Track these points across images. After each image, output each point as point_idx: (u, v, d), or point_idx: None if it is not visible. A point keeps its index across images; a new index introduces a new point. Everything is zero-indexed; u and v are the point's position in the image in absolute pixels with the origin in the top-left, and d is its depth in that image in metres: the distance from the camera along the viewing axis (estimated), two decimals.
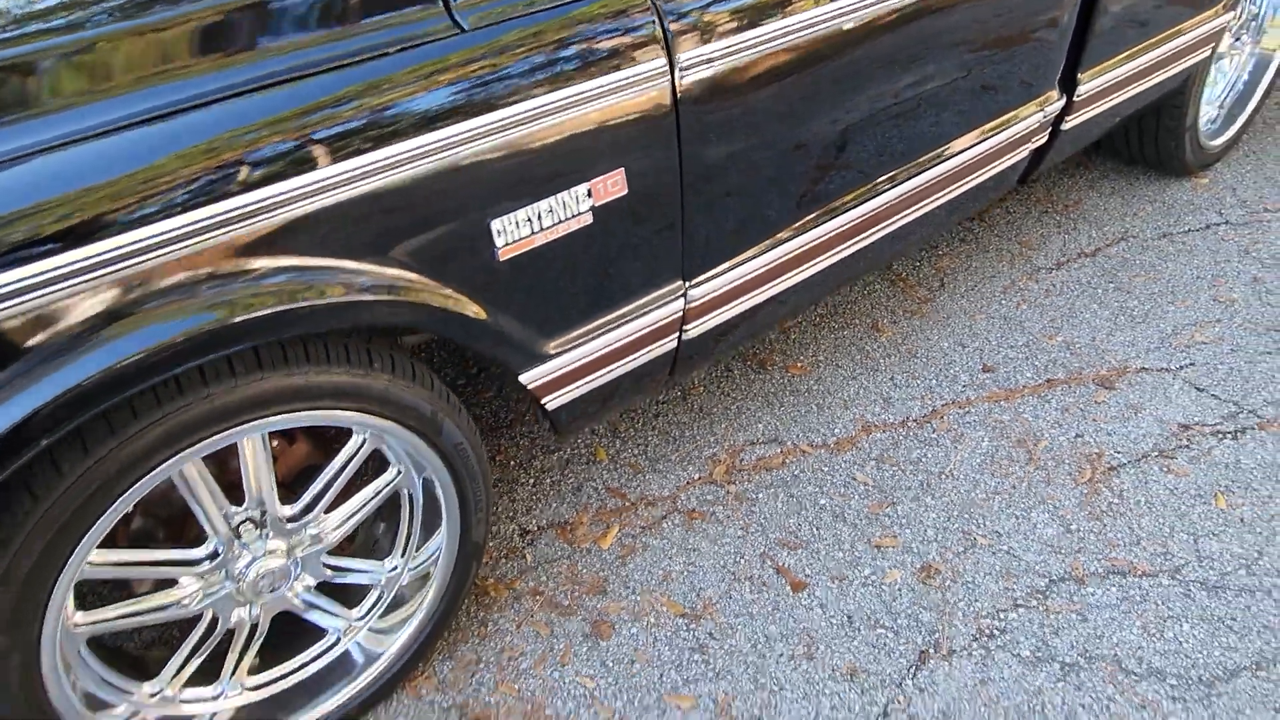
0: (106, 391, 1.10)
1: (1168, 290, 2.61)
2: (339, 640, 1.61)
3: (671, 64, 1.44)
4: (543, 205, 1.37)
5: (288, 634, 1.58)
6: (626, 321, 1.60)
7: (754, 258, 1.75)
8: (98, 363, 1.07)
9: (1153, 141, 2.94)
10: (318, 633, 1.60)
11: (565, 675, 1.71)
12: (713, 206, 1.62)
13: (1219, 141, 3.07)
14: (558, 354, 1.54)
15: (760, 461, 2.13)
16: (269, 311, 1.17)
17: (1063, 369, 2.35)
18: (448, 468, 1.51)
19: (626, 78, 1.40)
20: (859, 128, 1.80)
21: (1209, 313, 2.52)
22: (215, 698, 1.51)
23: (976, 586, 1.84)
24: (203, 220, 1.11)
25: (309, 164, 1.16)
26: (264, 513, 1.40)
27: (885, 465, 2.11)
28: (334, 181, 1.18)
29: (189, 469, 1.28)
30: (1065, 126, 2.34)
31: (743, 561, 1.90)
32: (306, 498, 1.44)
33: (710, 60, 1.48)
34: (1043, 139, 2.31)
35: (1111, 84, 2.37)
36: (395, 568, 1.61)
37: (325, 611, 1.58)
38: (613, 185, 1.44)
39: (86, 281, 1.06)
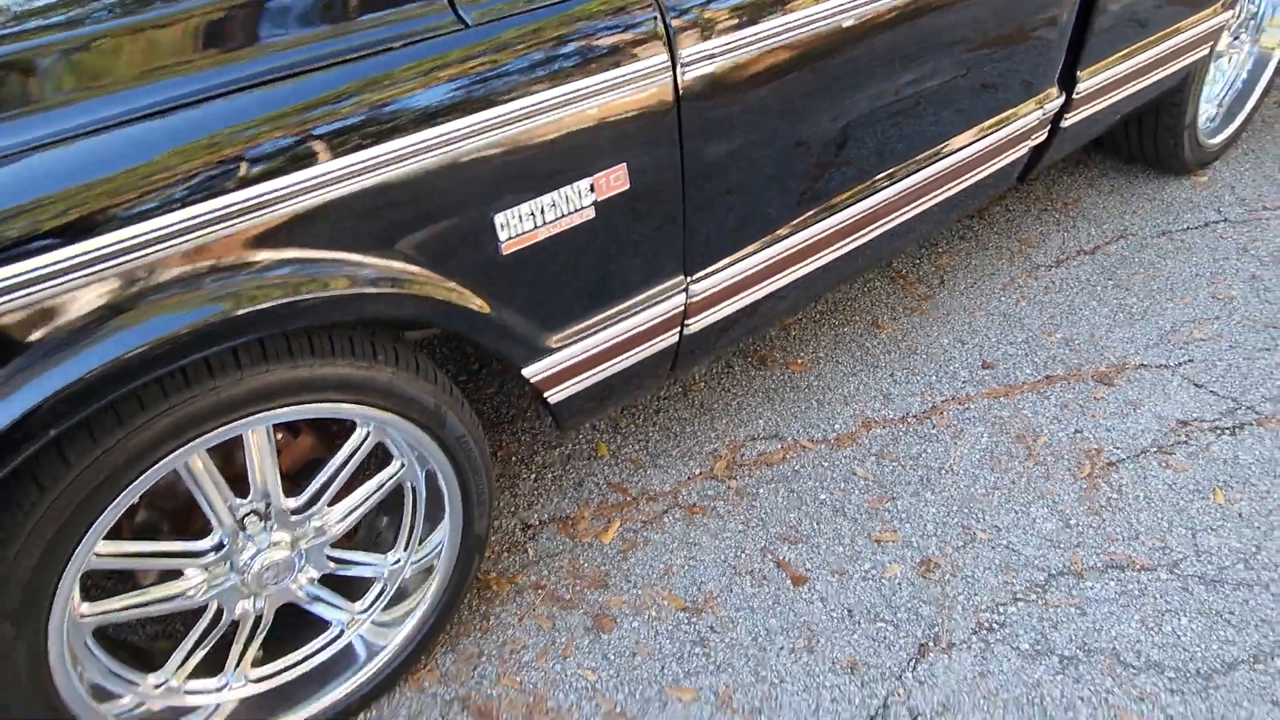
0: (114, 382, 1.11)
1: (1166, 287, 2.62)
2: (342, 633, 1.62)
3: (673, 60, 1.45)
4: (545, 200, 1.38)
5: (291, 626, 1.59)
6: (628, 316, 1.61)
7: (755, 253, 1.76)
8: (105, 354, 1.08)
9: (1152, 140, 2.95)
10: (321, 625, 1.61)
11: (567, 668, 1.72)
12: (714, 202, 1.63)
13: (1218, 140, 3.08)
14: (560, 348, 1.55)
15: (761, 457, 2.14)
16: (274, 304, 1.18)
17: (1062, 365, 2.36)
18: (450, 461, 1.52)
19: (628, 73, 1.41)
20: (859, 124, 1.81)
21: (1208, 310, 2.53)
22: (219, 689, 1.52)
23: (976, 581, 1.85)
24: (209, 214, 1.12)
25: (314, 158, 1.17)
26: (269, 505, 1.41)
27: (885, 461, 2.12)
28: (339, 175, 1.19)
29: (195, 461, 1.29)
30: (1064, 124, 2.35)
31: (743, 556, 1.91)
32: (311, 490, 1.45)
33: (712, 56, 1.49)
34: (1042, 136, 2.32)
35: (1110, 82, 2.38)
36: (398, 561, 1.62)
37: (329, 604, 1.59)
38: (615, 180, 1.45)
39: (94, 274, 1.07)
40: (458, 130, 1.26)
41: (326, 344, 1.31)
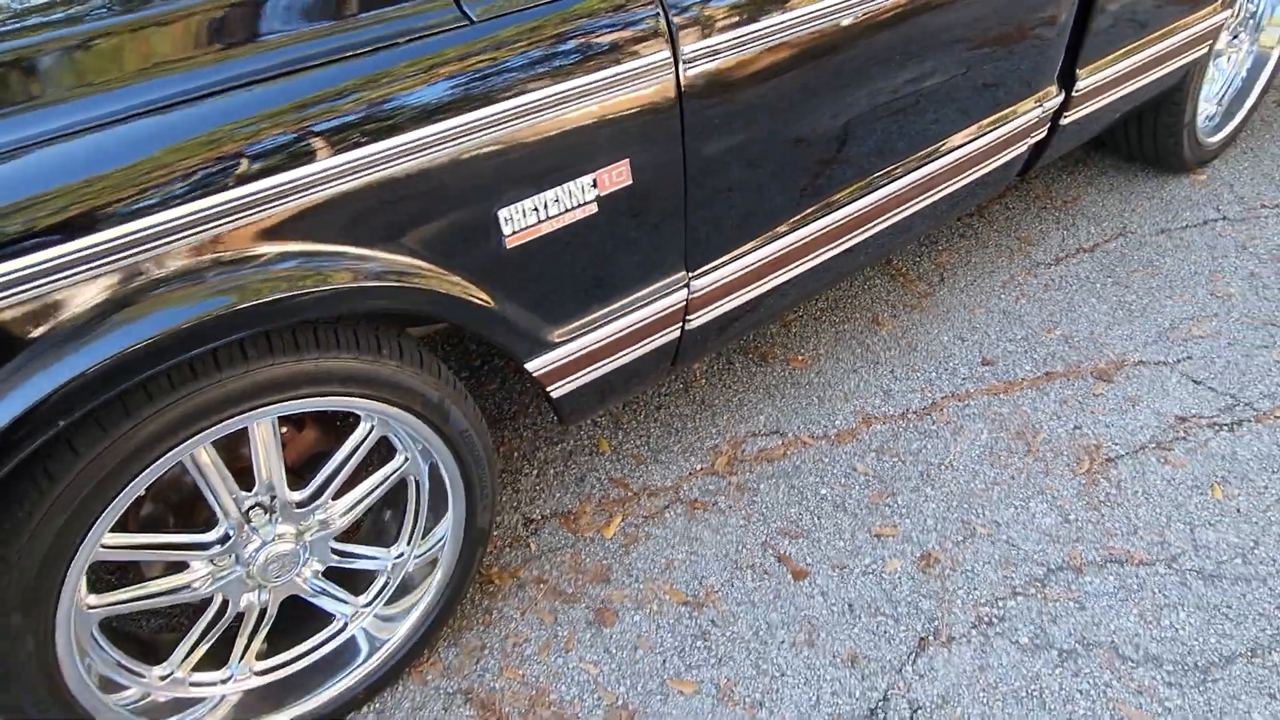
0: (122, 375, 1.12)
1: (1165, 285, 2.63)
2: (346, 626, 1.63)
3: (675, 57, 1.46)
4: (549, 195, 1.40)
5: (296, 619, 1.60)
6: (631, 311, 1.62)
7: (756, 249, 1.77)
8: (113, 346, 1.10)
9: (1151, 138, 2.96)
10: (325, 618, 1.63)
11: (569, 661, 1.73)
12: (715, 198, 1.64)
13: (1217, 138, 3.09)
14: (563, 342, 1.56)
15: (762, 452, 2.15)
16: (279, 297, 1.19)
17: (1061, 362, 2.38)
18: (454, 454, 1.53)
19: (630, 70, 1.42)
20: (860, 122, 1.82)
21: (1206, 307, 2.54)
22: (224, 681, 1.53)
23: (975, 575, 1.86)
24: (216, 208, 1.13)
25: (320, 153, 1.18)
26: (273, 498, 1.42)
27: (885, 456, 2.13)
28: (344, 170, 1.20)
29: (201, 454, 1.30)
30: (1064, 122, 2.36)
31: (744, 550, 1.93)
32: (315, 483, 1.46)
33: (713, 53, 1.50)
34: (1041, 134, 2.33)
35: (1109, 80, 2.39)
36: (401, 554, 1.63)
37: (333, 597, 1.60)
38: (617, 176, 1.46)
39: (102, 268, 1.08)
40: (462, 125, 1.27)
41: (331, 338, 1.32)
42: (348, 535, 1.59)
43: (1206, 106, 3.01)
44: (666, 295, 1.66)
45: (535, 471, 2.13)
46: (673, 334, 1.74)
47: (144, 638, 1.61)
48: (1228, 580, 1.83)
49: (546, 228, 1.41)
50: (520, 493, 2.07)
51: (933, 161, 2.04)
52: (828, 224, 1.88)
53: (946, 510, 2.00)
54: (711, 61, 1.50)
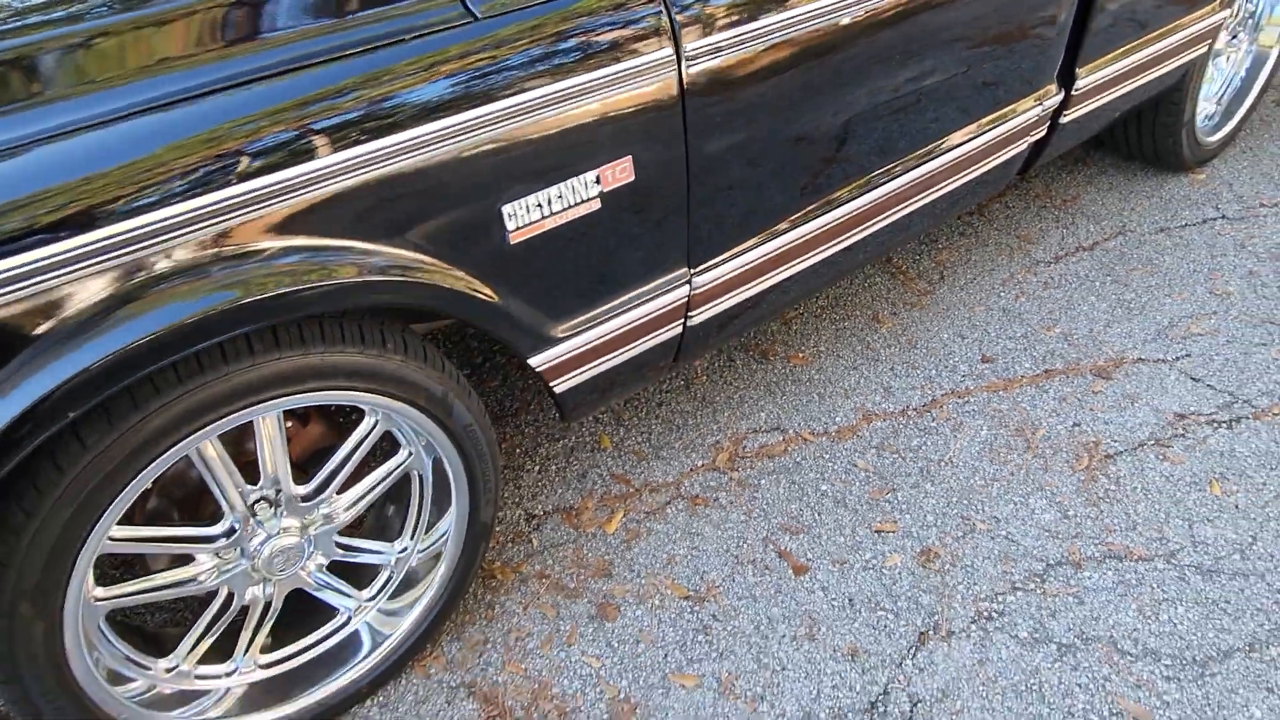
0: (130, 367, 1.13)
1: (1164, 283, 2.64)
2: (350, 620, 1.65)
3: (678, 54, 1.47)
4: (553, 191, 1.41)
5: (300, 613, 1.61)
6: (633, 307, 1.63)
7: (757, 246, 1.78)
8: (120, 340, 1.10)
9: (1150, 137, 2.97)
10: (329, 612, 1.64)
11: (571, 655, 1.74)
12: (717, 195, 1.65)
13: (1216, 137, 3.10)
14: (566, 337, 1.57)
15: (762, 449, 2.16)
16: (284, 291, 1.20)
17: (1060, 360, 2.39)
18: (457, 449, 1.54)
19: (633, 67, 1.43)
20: (862, 120, 1.83)
21: (1205, 305, 2.55)
22: (229, 674, 1.54)
23: (975, 570, 1.87)
24: (222, 202, 1.14)
25: (326, 149, 1.19)
26: (279, 491, 1.43)
27: (885, 453, 2.14)
28: (350, 165, 1.21)
29: (208, 447, 1.32)
30: (1064, 120, 2.37)
31: (745, 546, 1.94)
32: (320, 477, 1.47)
33: (715, 51, 1.51)
34: (1041, 133, 2.34)
35: (1109, 79, 2.40)
36: (405, 549, 1.64)
37: (337, 591, 1.61)
38: (620, 172, 1.47)
39: (109, 262, 1.09)
40: (466, 122, 1.29)
41: (337, 332, 1.33)
42: (351, 530, 1.60)
43: (1206, 106, 3.03)
44: (669, 291, 1.67)
45: (537, 468, 2.14)
46: (675, 330, 1.75)
47: (149, 631, 1.62)
48: (1226, 575, 1.84)
49: (550, 224, 1.42)
50: (522, 489, 2.09)
51: (933, 160, 2.05)
52: (829, 221, 1.89)
53: (946, 506, 2.01)
54: (714, 59, 1.51)
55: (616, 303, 1.61)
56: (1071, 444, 2.14)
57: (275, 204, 1.18)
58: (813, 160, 1.79)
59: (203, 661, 1.51)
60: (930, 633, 1.76)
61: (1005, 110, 2.17)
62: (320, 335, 1.32)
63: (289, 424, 1.52)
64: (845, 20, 1.67)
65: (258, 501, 1.42)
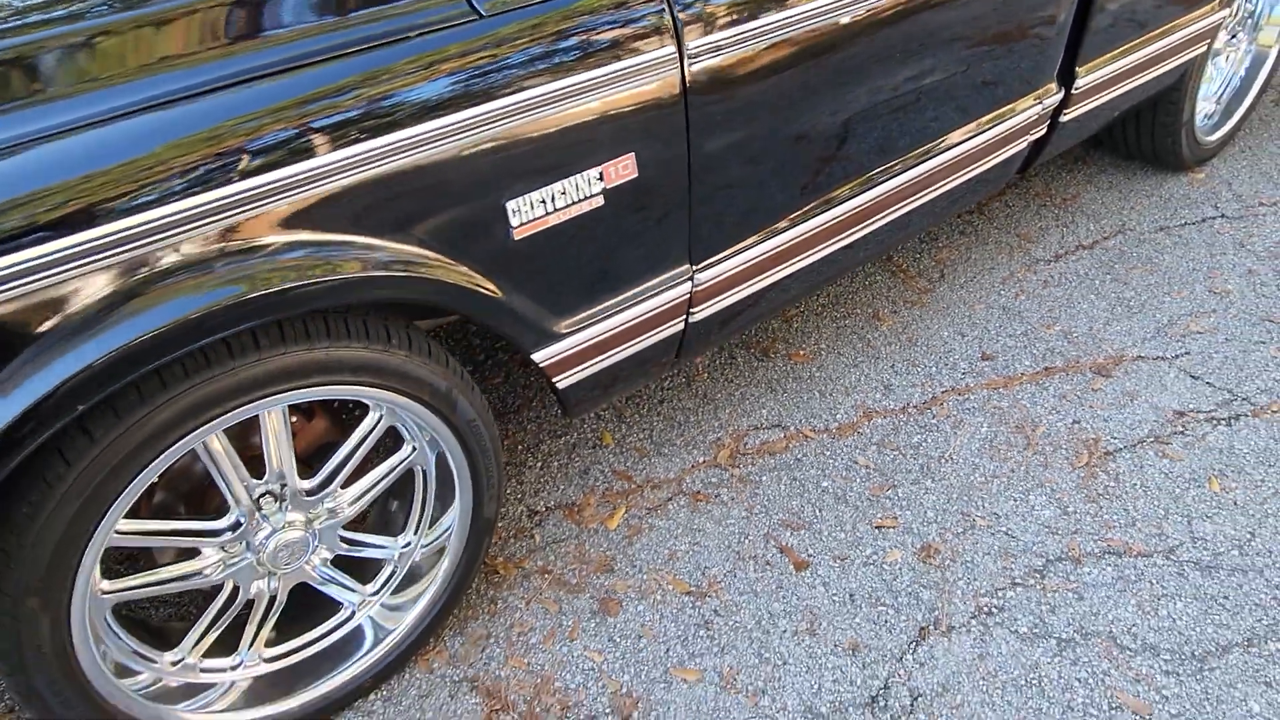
0: (135, 362, 1.14)
1: (1164, 282, 2.65)
2: (354, 614, 1.65)
3: (681, 52, 1.48)
4: (556, 187, 1.42)
5: (304, 607, 1.62)
6: (636, 303, 1.64)
7: (759, 243, 1.79)
8: (126, 334, 1.11)
9: (1150, 137, 2.98)
10: (333, 607, 1.65)
11: (574, 650, 1.75)
12: (719, 192, 1.66)
13: (1215, 137, 3.11)
14: (569, 333, 1.58)
15: (764, 446, 2.17)
16: (289, 286, 1.20)
17: (1060, 357, 2.40)
18: (461, 444, 1.55)
19: (635, 65, 1.44)
20: (862, 118, 1.84)
21: (1204, 303, 2.56)
22: (234, 667, 1.55)
23: (975, 566, 1.88)
24: (229, 198, 1.15)
25: (331, 145, 1.20)
26: (284, 486, 1.44)
27: (886, 450, 2.15)
28: (355, 161, 1.22)
29: (213, 442, 1.32)
30: (1064, 119, 2.38)
31: (747, 541, 1.95)
32: (325, 471, 1.48)
33: (717, 49, 1.52)
34: (1041, 131, 2.35)
35: (1108, 78, 2.41)
36: (408, 544, 1.65)
37: (341, 585, 1.62)
38: (623, 169, 1.48)
39: (115, 257, 1.10)
40: (471, 118, 1.30)
41: (342, 327, 1.34)
42: (355, 524, 1.61)
43: (1205, 105, 3.04)
44: (671, 288, 1.68)
45: (539, 464, 2.15)
46: (677, 326, 1.76)
47: (155, 625, 1.63)
48: (1224, 571, 1.85)
49: (553, 220, 1.43)
50: (525, 485, 2.10)
51: (934, 158, 2.06)
52: (830, 219, 1.90)
53: (946, 502, 2.02)
54: (715, 57, 1.52)
55: (619, 299, 1.62)
56: (1071, 441, 2.15)
57: (281, 200, 1.19)
58: (814, 158, 1.80)
59: (208, 655, 1.52)
60: (931, 628, 1.77)
61: (1005, 109, 2.18)
62: (325, 330, 1.33)
63: (293, 419, 1.53)
64: (846, 19, 1.68)
65: (263, 496, 1.43)
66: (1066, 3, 2.14)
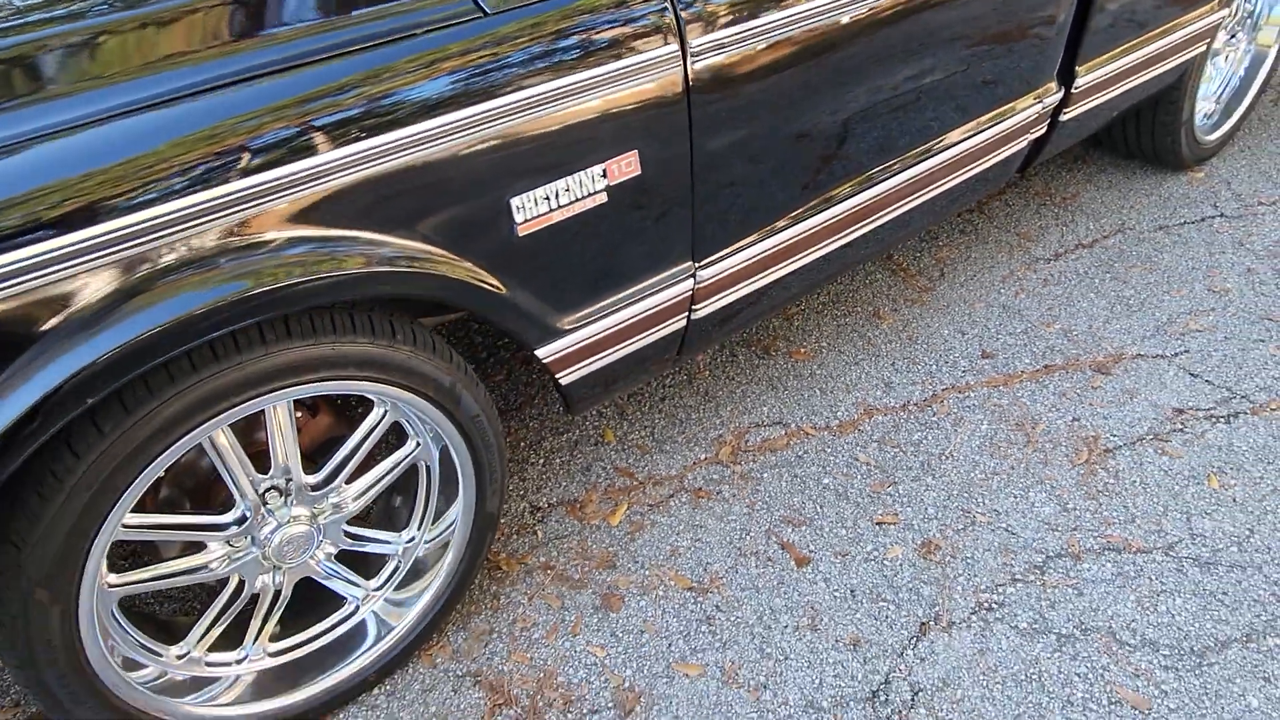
0: (143, 357, 1.14)
1: (1163, 280, 2.66)
2: (358, 609, 1.66)
3: (683, 50, 1.49)
4: (560, 184, 1.43)
5: (309, 601, 1.63)
6: (638, 300, 1.65)
7: (761, 240, 1.80)
8: (133, 329, 1.12)
9: (1149, 136, 2.99)
10: (336, 602, 1.65)
11: (576, 645, 1.76)
12: (721, 190, 1.67)
13: (1215, 136, 3.13)
14: (573, 329, 1.59)
15: (765, 443, 2.18)
16: (294, 281, 1.21)
17: (1060, 355, 2.41)
18: (465, 439, 1.56)
19: (638, 62, 1.45)
20: (863, 117, 1.85)
21: (1203, 302, 2.57)
22: (239, 661, 1.56)
23: (975, 562, 1.89)
24: (236, 194, 1.16)
25: (336, 141, 1.21)
26: (289, 480, 1.45)
27: (887, 447, 2.16)
28: (361, 157, 1.23)
29: (219, 436, 1.33)
30: (1064, 118, 2.39)
31: (748, 538, 1.96)
32: (330, 466, 1.49)
33: (719, 47, 1.53)
34: (1041, 130, 2.36)
35: (1108, 77, 2.42)
36: (412, 539, 1.66)
37: (345, 580, 1.63)
38: (626, 166, 1.49)
39: (123, 253, 1.11)
40: (475, 115, 1.31)
41: (348, 322, 1.35)
42: (359, 520, 1.62)
43: (1204, 105, 3.05)
44: (673, 285, 1.69)
45: (541, 461, 2.16)
46: (679, 323, 1.77)
47: (160, 619, 1.64)
48: (1223, 567, 1.86)
49: (558, 216, 1.44)
50: (527, 481, 2.11)
51: (934, 156, 2.07)
52: (831, 216, 1.91)
53: (947, 499, 2.03)
54: (717, 56, 1.53)
55: (622, 295, 1.63)
56: (1071, 438, 2.16)
57: (287, 196, 1.20)
58: (815, 156, 1.81)
59: (213, 649, 1.53)
60: (931, 623, 1.78)
61: (1005, 108, 2.19)
62: (331, 325, 1.34)
63: (298, 414, 1.54)
64: (847, 19, 1.69)
65: (268, 490, 1.44)
66: (1066, 2, 2.15)
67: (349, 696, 1.65)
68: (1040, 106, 2.27)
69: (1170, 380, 2.31)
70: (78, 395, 1.14)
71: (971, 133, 2.13)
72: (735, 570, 1.89)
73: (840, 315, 2.57)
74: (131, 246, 1.11)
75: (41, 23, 1.29)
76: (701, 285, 1.74)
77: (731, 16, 1.53)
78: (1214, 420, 2.20)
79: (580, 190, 1.45)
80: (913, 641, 1.75)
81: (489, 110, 1.32)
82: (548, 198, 1.42)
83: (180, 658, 1.49)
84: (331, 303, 1.31)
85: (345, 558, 1.62)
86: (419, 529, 1.66)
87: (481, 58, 1.31)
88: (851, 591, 1.84)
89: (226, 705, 1.53)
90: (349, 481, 1.53)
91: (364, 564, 1.66)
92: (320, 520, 1.52)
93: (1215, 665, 1.69)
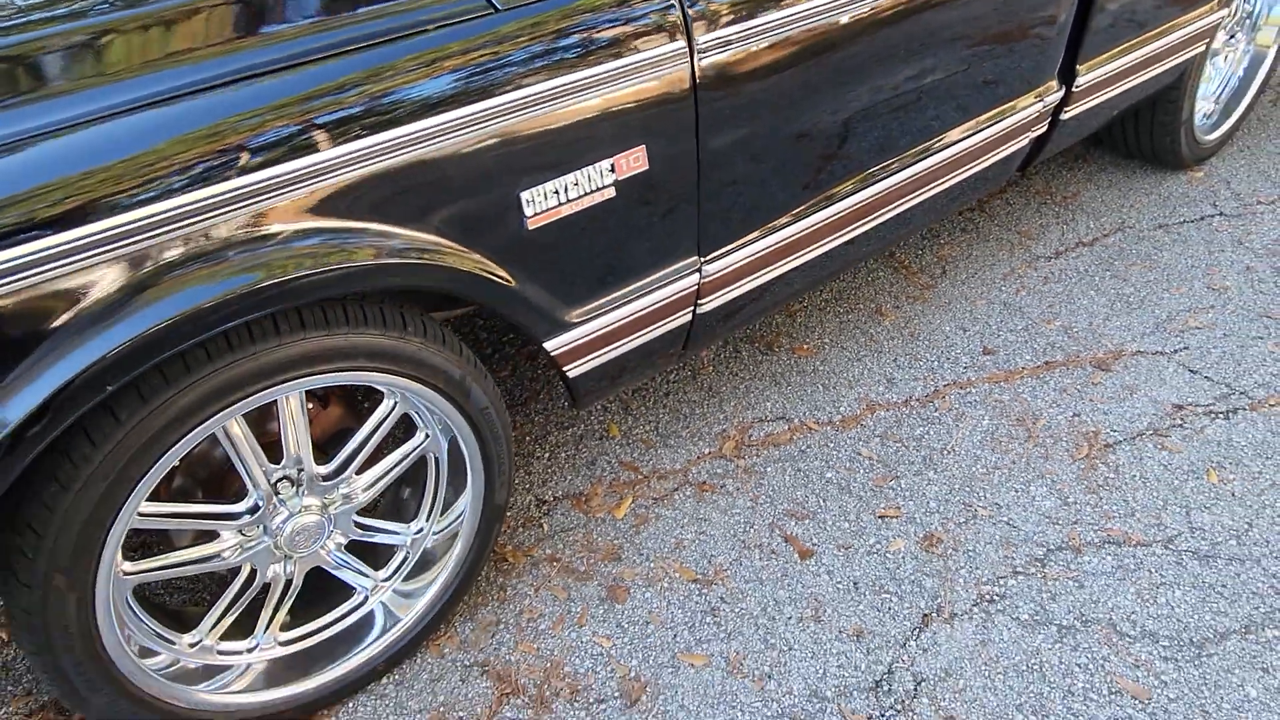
0: (154, 349, 1.16)
1: (1163, 278, 2.68)
2: (367, 599, 1.68)
3: (691, 46, 1.51)
4: (569, 179, 1.45)
5: (319, 591, 1.65)
6: (645, 294, 1.67)
7: (766, 236, 1.82)
8: (143, 322, 1.14)
9: (1149, 136, 3.01)
10: (347, 592, 1.67)
11: (582, 636, 1.78)
12: (727, 185, 1.69)
13: (1214, 136, 3.15)
14: (580, 322, 1.61)
15: (768, 438, 2.20)
16: (304, 273, 1.23)
17: (1061, 352, 2.43)
18: (474, 431, 1.58)
19: (646, 59, 1.47)
20: (867, 115, 1.87)
21: (1203, 300, 2.59)
22: (250, 650, 1.58)
23: (977, 555, 1.91)
24: (247, 186, 1.18)
25: (349, 134, 1.23)
26: (300, 470, 1.47)
27: (889, 442, 2.18)
28: (373, 151, 1.25)
29: (233, 426, 1.35)
30: (1064, 117, 2.41)
31: (752, 531, 1.98)
32: (341, 457, 1.51)
33: (726, 44, 1.55)
34: (1042, 129, 2.38)
35: (1109, 76, 2.44)
36: (421, 530, 1.68)
37: (355, 570, 1.65)
38: (634, 161, 1.52)
39: (131, 247, 1.13)
40: (486, 110, 1.33)
41: (359, 314, 1.37)
42: (369, 512, 1.63)
43: (1204, 105, 3.07)
44: (679, 279, 1.71)
45: (547, 455, 2.18)
46: (685, 317, 1.79)
47: (172, 609, 1.66)
48: (1222, 560, 1.88)
49: (567, 210, 1.46)
50: (533, 475, 2.12)
51: (936, 154, 2.09)
52: (835, 212, 1.93)
53: (949, 493, 2.05)
54: (724, 53, 1.55)
55: (629, 289, 1.65)
56: (1071, 433, 2.18)
57: (299, 189, 1.22)
58: (819, 153, 1.83)
59: (225, 638, 1.55)
60: (933, 615, 1.80)
61: (1007, 106, 2.21)
62: (344, 317, 1.36)
63: (310, 405, 1.56)
64: (851, 17, 1.71)
65: (280, 480, 1.46)
66: (1067, 2, 2.17)
67: (358, 685, 1.67)
68: (1041, 105, 2.29)
69: (1170, 376, 2.33)
70: (95, 384, 1.15)
71: (973, 131, 2.15)
72: (739, 562, 1.91)
73: (843, 312, 2.59)
74: (147, 239, 1.13)
75: (45, 21, 1.31)
76: (707, 280, 1.76)
77: (736, 14, 1.55)
78: (1213, 416, 2.22)
79: (589, 185, 1.47)
80: (915, 632, 1.77)
81: (501, 105, 1.34)
82: (557, 192, 1.44)
83: (193, 646, 1.51)
84: (343, 295, 1.33)
85: (355, 548, 1.64)
86: (427, 520, 1.68)
87: (494, 53, 1.33)
88: (854, 583, 1.86)
89: (238, 693, 1.55)
90: (359, 472, 1.55)
91: (373, 555, 1.68)
92: (331, 510, 1.54)
93: (1214, 656, 1.71)
